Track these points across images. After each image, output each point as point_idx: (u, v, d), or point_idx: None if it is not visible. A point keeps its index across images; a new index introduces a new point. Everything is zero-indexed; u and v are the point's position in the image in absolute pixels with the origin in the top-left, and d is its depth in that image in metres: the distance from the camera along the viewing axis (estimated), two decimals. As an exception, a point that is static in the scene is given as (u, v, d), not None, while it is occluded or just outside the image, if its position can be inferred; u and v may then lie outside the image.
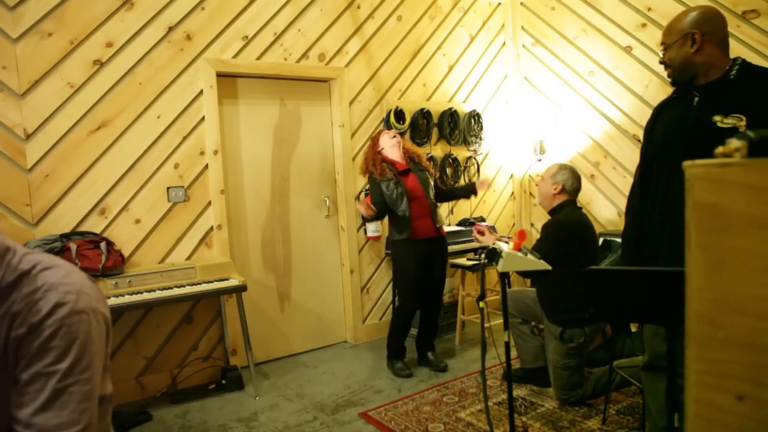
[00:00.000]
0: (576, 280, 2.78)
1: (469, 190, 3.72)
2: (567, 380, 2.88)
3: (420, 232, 3.40)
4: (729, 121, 1.77)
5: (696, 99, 1.91)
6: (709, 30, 1.87)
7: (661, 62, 2.01)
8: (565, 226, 2.93)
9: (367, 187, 4.17)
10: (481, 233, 3.23)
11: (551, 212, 3.05)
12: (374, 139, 3.61)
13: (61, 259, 1.02)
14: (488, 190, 4.59)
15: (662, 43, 1.99)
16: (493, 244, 2.76)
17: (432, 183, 3.55)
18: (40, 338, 0.89)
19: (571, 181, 2.99)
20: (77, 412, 0.90)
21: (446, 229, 4.40)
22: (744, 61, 1.88)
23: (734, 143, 0.75)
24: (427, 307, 3.62)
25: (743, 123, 1.75)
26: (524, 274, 3.19)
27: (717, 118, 1.79)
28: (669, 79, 2.03)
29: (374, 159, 3.49)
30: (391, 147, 3.49)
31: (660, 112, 2.10)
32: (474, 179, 4.78)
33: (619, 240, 3.53)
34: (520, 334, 3.28)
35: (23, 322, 0.90)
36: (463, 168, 4.70)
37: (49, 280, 0.93)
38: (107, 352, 1.04)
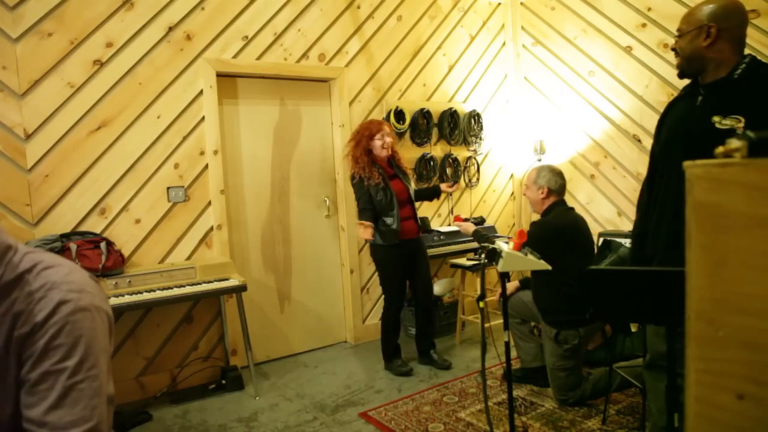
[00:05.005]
0: (569, 282, 2.79)
1: (434, 192, 3.75)
2: (564, 381, 2.89)
3: (404, 234, 3.43)
4: (727, 123, 1.75)
5: (700, 98, 1.88)
6: (726, 26, 1.81)
7: (672, 48, 1.95)
8: (550, 228, 2.92)
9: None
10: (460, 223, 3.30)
11: (543, 215, 3.06)
12: (358, 135, 3.45)
13: (63, 258, 1.01)
14: (460, 191, 4.38)
15: (678, 30, 1.91)
16: (473, 232, 2.85)
17: (412, 186, 3.61)
18: (44, 337, 0.89)
19: (554, 180, 2.97)
20: (89, 408, 0.90)
21: (446, 229, 4.42)
22: (753, 59, 1.82)
23: (734, 143, 0.75)
24: (420, 305, 3.63)
25: (741, 125, 1.73)
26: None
27: (716, 118, 1.77)
28: (676, 70, 1.96)
29: (366, 162, 3.39)
30: (381, 149, 3.42)
31: (669, 110, 2.07)
32: (473, 179, 4.79)
33: (618, 240, 3.54)
34: (519, 334, 3.29)
35: (26, 322, 0.90)
36: (463, 168, 4.71)
37: (51, 278, 0.93)
38: (110, 351, 1.04)
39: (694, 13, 1.87)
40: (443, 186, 3.70)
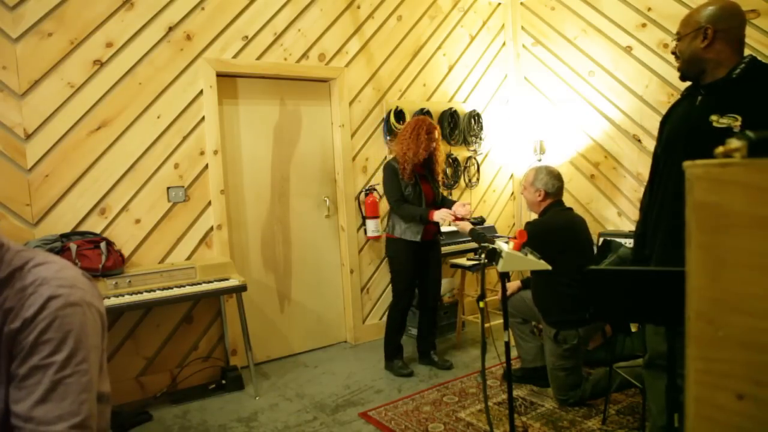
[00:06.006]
0: (567, 281, 2.79)
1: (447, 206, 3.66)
2: (564, 381, 2.89)
3: (423, 235, 3.43)
4: (724, 121, 1.76)
5: (699, 98, 1.90)
6: (724, 27, 1.83)
7: (672, 52, 1.97)
8: (543, 227, 2.93)
9: (368, 186, 4.18)
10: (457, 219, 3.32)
11: (540, 215, 3.07)
12: (417, 127, 3.37)
13: (56, 256, 1.01)
14: (460, 191, 4.38)
15: (676, 33, 1.94)
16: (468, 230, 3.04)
17: (439, 191, 3.58)
18: (34, 332, 0.89)
19: (551, 183, 2.99)
20: (77, 403, 0.89)
21: (447, 229, 4.41)
22: (753, 59, 1.84)
23: (734, 143, 0.75)
24: (425, 307, 3.64)
25: (738, 123, 1.74)
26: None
27: (713, 117, 1.78)
28: (677, 72, 1.98)
29: (412, 156, 3.33)
30: (426, 147, 3.38)
31: (671, 111, 2.08)
32: (473, 179, 4.79)
33: (618, 240, 3.54)
34: (520, 333, 3.29)
35: (16, 317, 0.90)
36: (463, 168, 4.71)
37: (41, 275, 0.93)
38: (103, 348, 1.03)
39: (691, 16, 1.90)
40: (456, 206, 3.46)
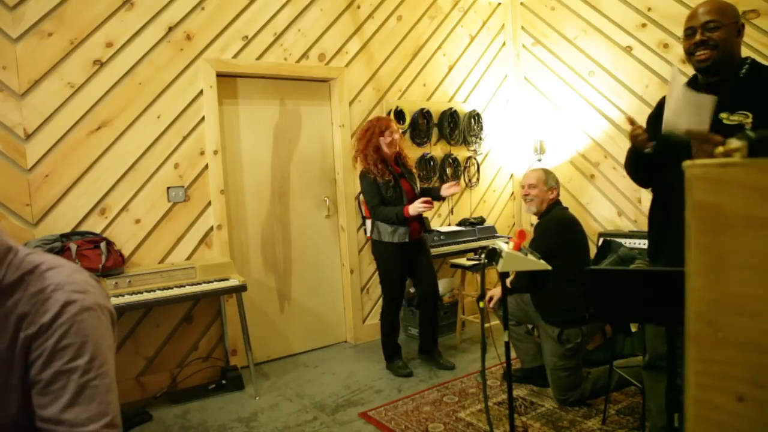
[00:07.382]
0: (572, 278, 2.80)
1: (434, 195, 3.58)
2: (565, 381, 2.88)
3: (409, 234, 3.42)
4: (735, 118, 1.75)
5: None
6: (742, 25, 1.84)
7: (703, 40, 1.81)
8: (561, 222, 3.01)
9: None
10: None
11: (543, 214, 3.09)
12: (368, 132, 3.44)
13: (64, 258, 1.02)
14: (460, 191, 4.48)
15: (713, 21, 1.79)
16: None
17: (418, 186, 3.57)
18: (53, 338, 0.90)
19: (558, 183, 3.13)
20: (105, 404, 0.92)
21: (446, 229, 4.41)
22: (754, 60, 1.86)
23: (734, 143, 0.75)
24: (425, 306, 3.63)
25: (749, 120, 1.73)
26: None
27: (723, 115, 1.77)
28: (701, 64, 1.84)
29: (375, 159, 3.39)
30: (389, 146, 3.42)
31: (661, 108, 2.07)
32: (473, 179, 4.79)
33: (618, 240, 3.54)
34: (515, 335, 3.28)
35: (32, 322, 0.91)
36: (463, 168, 4.70)
37: (54, 279, 0.94)
38: (115, 347, 1.05)
39: (726, 6, 1.83)
40: (443, 189, 3.54)
